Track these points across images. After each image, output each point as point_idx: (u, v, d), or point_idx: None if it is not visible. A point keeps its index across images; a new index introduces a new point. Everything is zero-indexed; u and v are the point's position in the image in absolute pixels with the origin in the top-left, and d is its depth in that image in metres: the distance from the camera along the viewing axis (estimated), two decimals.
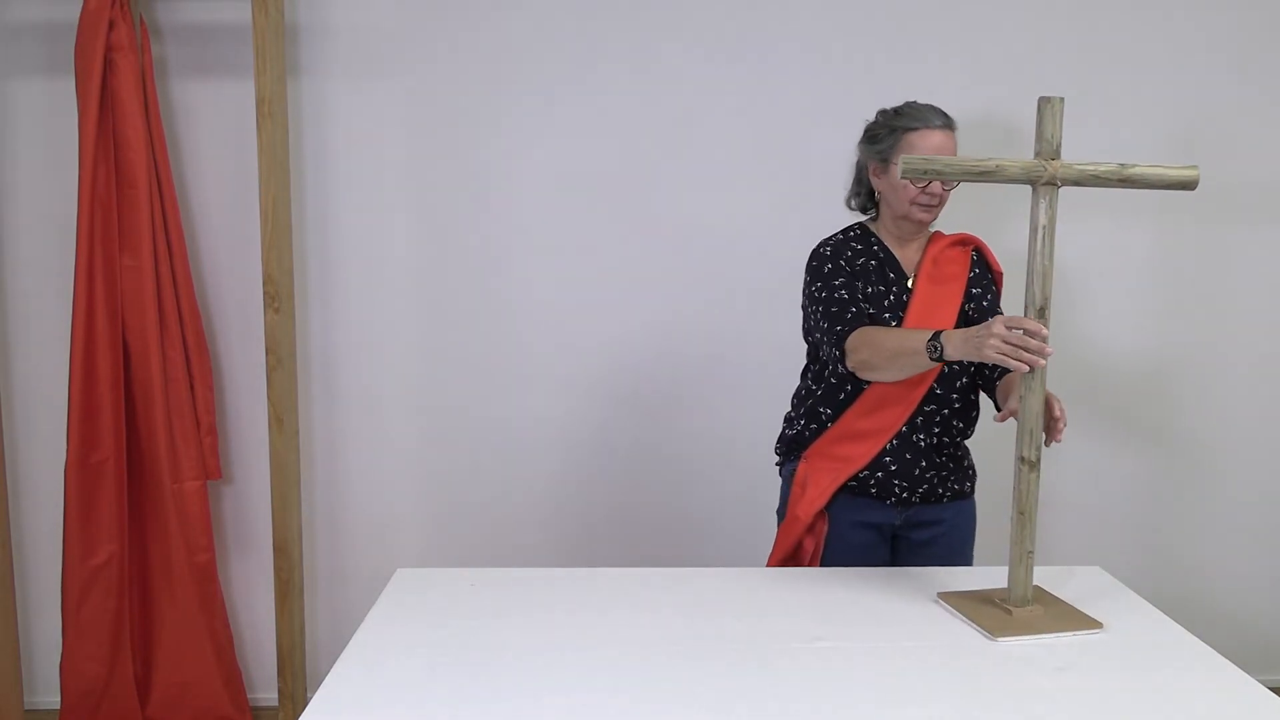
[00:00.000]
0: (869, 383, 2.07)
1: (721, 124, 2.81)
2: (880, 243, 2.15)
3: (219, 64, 2.72)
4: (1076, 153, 1.80)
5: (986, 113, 2.79)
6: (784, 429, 2.27)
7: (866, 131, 2.15)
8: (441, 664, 1.62)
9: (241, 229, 2.77)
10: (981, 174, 1.74)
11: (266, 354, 2.69)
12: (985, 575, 1.96)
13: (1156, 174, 1.77)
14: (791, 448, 2.23)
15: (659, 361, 2.90)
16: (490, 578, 2.02)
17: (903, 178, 1.79)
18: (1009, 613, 1.80)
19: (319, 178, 2.80)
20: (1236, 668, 1.64)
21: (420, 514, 2.94)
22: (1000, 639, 1.72)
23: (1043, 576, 1.97)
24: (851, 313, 2.02)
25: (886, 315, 2.07)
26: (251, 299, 2.79)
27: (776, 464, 2.30)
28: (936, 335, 1.81)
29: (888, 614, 1.83)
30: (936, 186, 2.05)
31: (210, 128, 2.75)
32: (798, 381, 2.28)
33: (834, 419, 2.13)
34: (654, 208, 2.84)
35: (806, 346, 2.23)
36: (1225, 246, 2.94)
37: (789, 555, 2.17)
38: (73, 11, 2.52)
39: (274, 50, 2.58)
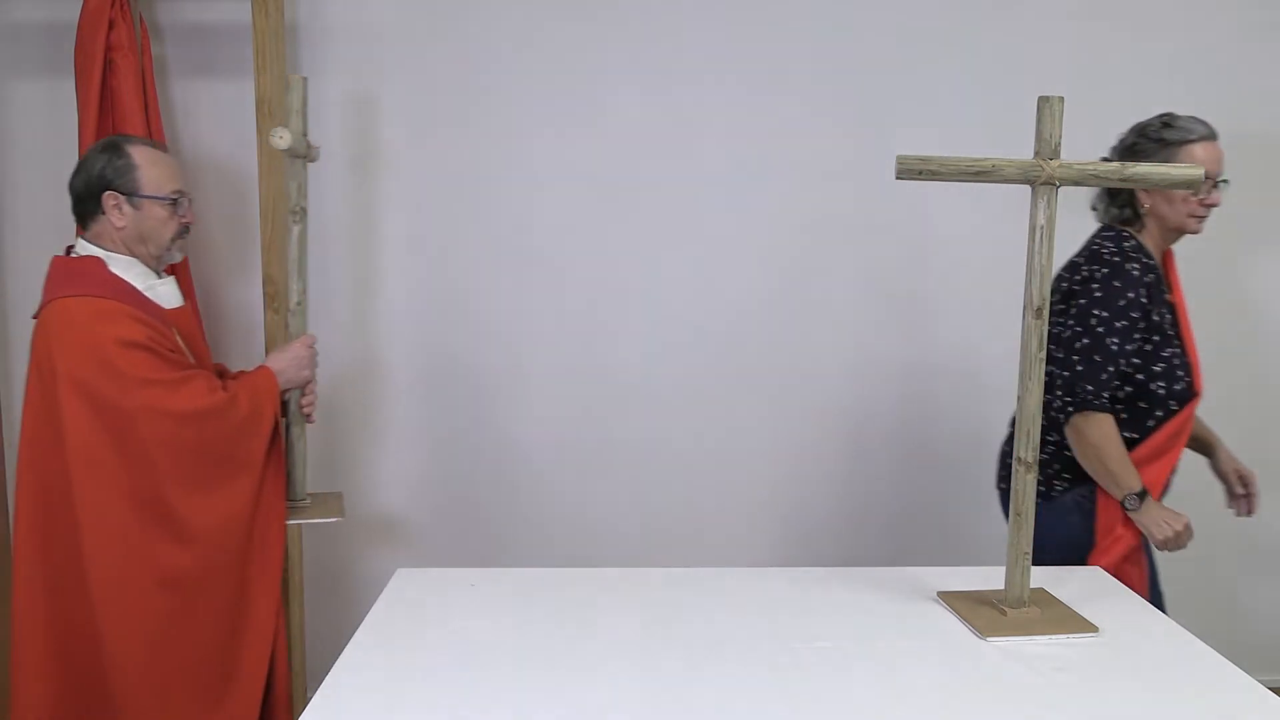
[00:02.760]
0: (1178, 404, 2.09)
1: (721, 125, 2.81)
2: (1150, 255, 2.13)
3: (219, 64, 2.72)
4: (1078, 153, 1.80)
5: (986, 112, 2.79)
6: (1054, 452, 2.15)
7: (1129, 148, 2.12)
8: (441, 664, 1.62)
9: (241, 229, 2.77)
10: (978, 174, 1.73)
11: (266, 354, 2.69)
12: (987, 575, 1.96)
13: (1159, 174, 1.76)
14: (1083, 469, 2.11)
15: (660, 362, 2.90)
16: (490, 578, 2.01)
17: (899, 178, 1.78)
18: (1004, 613, 1.80)
19: (319, 178, 2.80)
20: (1236, 668, 1.64)
21: (420, 514, 2.94)
22: (991, 639, 1.72)
23: (1042, 577, 1.97)
24: (1104, 375, 2.01)
25: (1169, 344, 2.08)
26: (251, 299, 2.79)
27: (1051, 491, 2.17)
28: (1142, 494, 1.97)
29: (888, 614, 1.83)
30: (1217, 196, 2.05)
31: (210, 128, 2.75)
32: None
33: (1142, 440, 2.10)
34: (655, 208, 2.84)
35: None
36: (1225, 246, 2.93)
37: None
38: (73, 11, 2.52)
39: (274, 50, 2.58)
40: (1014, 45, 2.81)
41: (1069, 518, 2.15)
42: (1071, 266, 2.19)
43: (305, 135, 2.22)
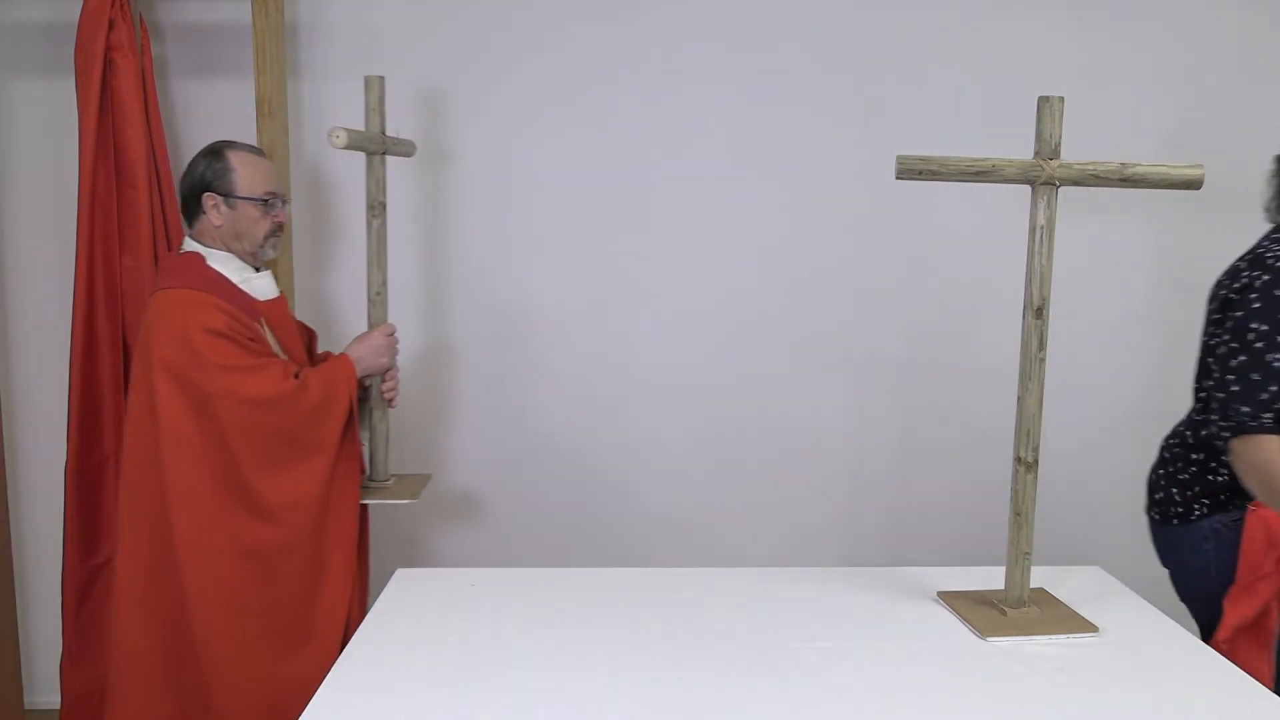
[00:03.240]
0: None
1: (720, 125, 2.81)
2: None
3: (219, 64, 2.72)
4: (1077, 153, 1.80)
5: (986, 112, 2.79)
6: (1195, 473, 2.03)
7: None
8: (441, 664, 1.62)
9: None
10: (978, 174, 1.74)
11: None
12: (987, 575, 1.96)
13: (1159, 173, 1.76)
14: (1225, 495, 1.97)
15: (659, 362, 2.90)
16: (490, 578, 2.02)
17: (899, 178, 1.78)
18: (1004, 613, 1.80)
19: (319, 178, 2.80)
20: (1236, 668, 1.64)
21: (421, 514, 2.94)
22: (991, 639, 1.72)
23: (1043, 576, 1.97)
24: (1264, 395, 1.81)
25: None
26: None
27: (1189, 514, 2.04)
28: None
29: (888, 614, 1.83)
30: None
31: (210, 128, 2.75)
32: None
33: None
34: (657, 208, 2.84)
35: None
36: (1225, 246, 2.93)
37: (1249, 622, 1.89)
38: (73, 11, 2.52)
39: (274, 50, 2.58)
40: (1014, 45, 2.80)
41: (1203, 545, 2.00)
42: (1232, 272, 2.01)
43: (382, 133, 2.34)
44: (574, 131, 2.80)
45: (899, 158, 1.72)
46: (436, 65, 2.76)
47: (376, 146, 2.34)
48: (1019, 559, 1.82)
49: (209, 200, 2.15)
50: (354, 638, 1.72)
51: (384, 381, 2.37)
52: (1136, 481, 3.01)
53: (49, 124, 2.70)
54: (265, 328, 2.18)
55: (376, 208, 2.37)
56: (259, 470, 2.06)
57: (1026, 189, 1.78)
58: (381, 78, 2.35)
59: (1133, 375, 2.97)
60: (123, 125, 2.55)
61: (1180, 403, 2.97)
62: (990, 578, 1.93)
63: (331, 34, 2.74)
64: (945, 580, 1.98)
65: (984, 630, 1.74)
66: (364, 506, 2.31)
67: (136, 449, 2.10)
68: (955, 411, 2.94)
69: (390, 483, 2.43)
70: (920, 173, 1.73)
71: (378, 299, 2.39)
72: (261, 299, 2.20)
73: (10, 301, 2.80)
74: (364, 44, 2.75)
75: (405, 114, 2.77)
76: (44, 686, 2.90)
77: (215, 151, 2.19)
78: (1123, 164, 1.75)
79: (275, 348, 2.19)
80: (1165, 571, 3.02)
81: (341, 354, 2.29)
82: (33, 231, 2.76)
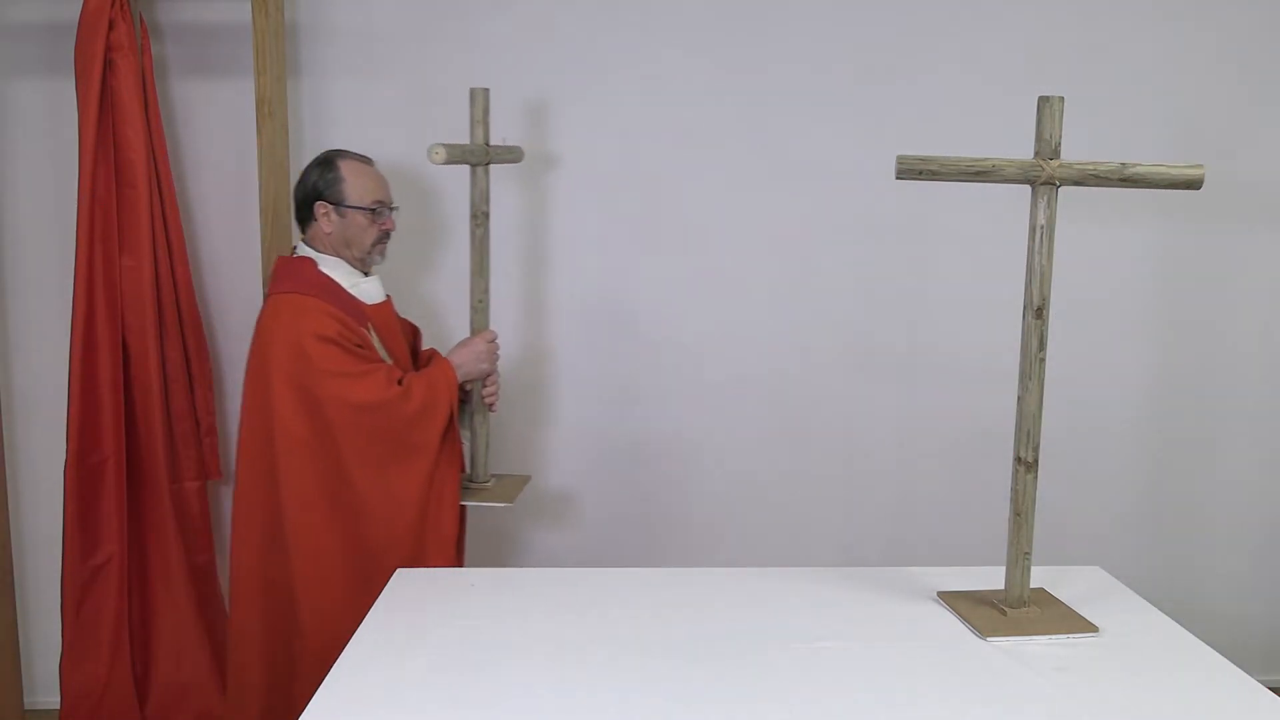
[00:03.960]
0: None
1: (720, 125, 2.81)
2: None
3: (219, 64, 2.72)
4: (1077, 153, 1.80)
5: (986, 112, 2.79)
6: None
7: None
8: (441, 664, 1.62)
9: (241, 229, 2.77)
10: (978, 174, 1.74)
11: None
12: (987, 575, 1.96)
13: (1159, 173, 1.76)
14: None
15: (657, 361, 2.90)
16: (490, 578, 2.02)
17: (899, 178, 1.78)
18: (1004, 613, 1.80)
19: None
20: (1236, 668, 1.64)
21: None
22: (991, 639, 1.72)
23: (1043, 576, 1.97)
24: None
25: None
26: (251, 299, 2.78)
27: None
28: None
29: (888, 614, 1.83)
30: None
31: (210, 128, 2.75)
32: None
33: None
34: (658, 208, 2.84)
35: None
36: (1225, 246, 2.94)
37: None
38: (73, 11, 2.52)
39: (274, 50, 2.58)
40: (1014, 45, 2.80)
41: None
42: None
43: (486, 144, 2.39)
44: (573, 131, 2.80)
45: (899, 158, 1.72)
46: (436, 65, 2.76)
47: (479, 158, 2.37)
48: (1019, 559, 1.82)
49: (320, 208, 2.25)
50: (354, 638, 1.72)
51: (485, 386, 2.41)
52: (1137, 481, 3.02)
53: (49, 124, 2.70)
54: (372, 332, 2.26)
55: (480, 217, 2.41)
56: (363, 471, 2.15)
57: (1026, 189, 1.78)
58: (486, 90, 2.38)
59: (1133, 375, 2.97)
60: (123, 125, 2.55)
61: (1181, 400, 2.98)
62: (990, 578, 1.93)
63: (331, 34, 2.74)
64: (945, 580, 1.98)
65: (984, 630, 1.74)
66: (463, 507, 2.35)
67: (250, 447, 2.21)
68: (955, 411, 2.94)
69: (490, 484, 2.47)
70: (920, 173, 1.73)
71: (480, 306, 2.44)
72: (369, 303, 2.29)
73: (10, 301, 2.80)
74: (364, 44, 2.75)
75: (405, 113, 2.77)
76: (44, 686, 2.90)
77: (327, 160, 2.28)
78: (1123, 164, 1.75)
79: (381, 351, 2.26)
80: (1165, 571, 3.03)
81: (444, 360, 2.34)
82: (33, 231, 2.76)
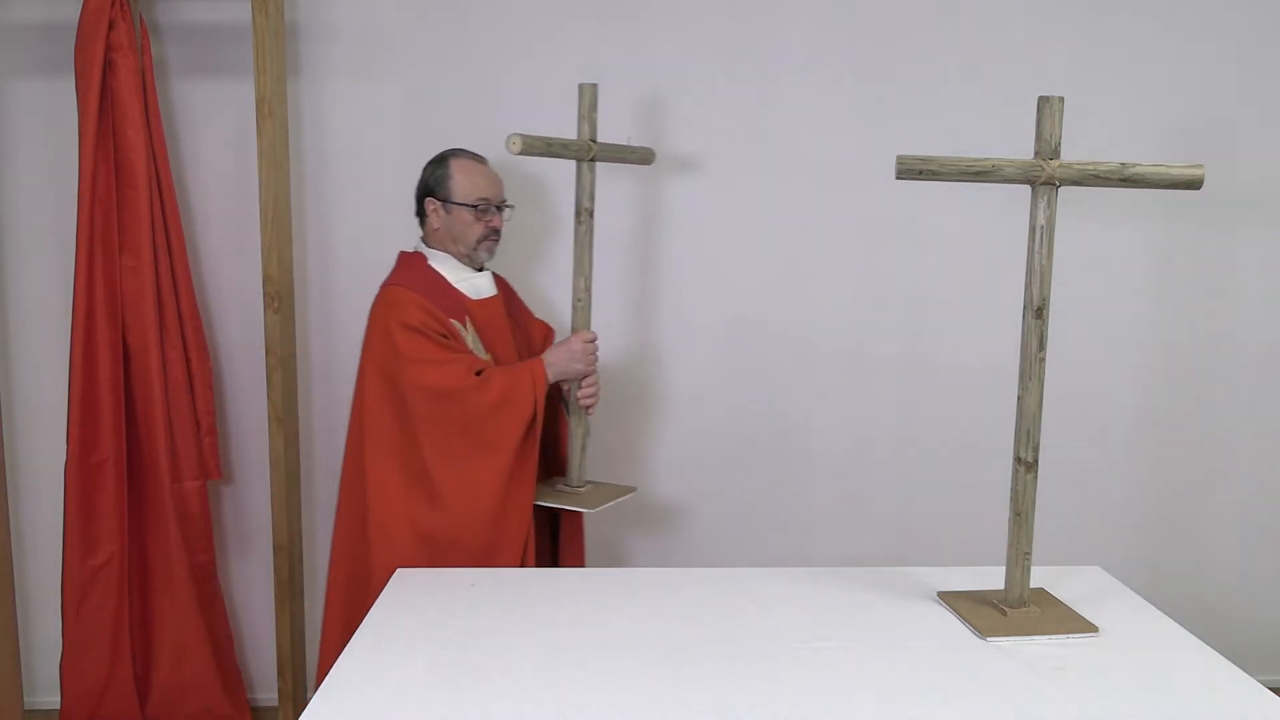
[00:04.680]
0: None
1: (719, 124, 2.81)
2: None
3: (219, 64, 2.72)
4: (1076, 153, 1.80)
5: (986, 112, 2.79)
6: None
7: None
8: (441, 664, 1.62)
9: (241, 229, 2.77)
10: (978, 174, 1.74)
11: (266, 354, 2.69)
12: (987, 575, 1.96)
13: (1159, 173, 1.76)
14: None
15: (656, 361, 2.90)
16: (490, 578, 2.02)
17: (899, 178, 1.78)
18: (1004, 613, 1.80)
19: (319, 178, 2.80)
20: (1236, 668, 1.64)
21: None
22: (991, 639, 1.72)
23: (1043, 576, 1.97)
24: None
25: None
26: (251, 299, 2.79)
27: None
28: None
29: (888, 614, 1.83)
30: None
31: (210, 128, 2.75)
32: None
33: None
34: (658, 207, 2.84)
35: None
36: (1225, 246, 2.94)
37: None
38: (73, 11, 2.52)
39: (274, 50, 2.58)
40: (1014, 45, 2.80)
41: None
42: None
43: (593, 140, 2.36)
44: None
45: (899, 158, 1.72)
46: (436, 65, 2.76)
47: (582, 153, 2.34)
48: (1019, 559, 1.82)
49: (430, 204, 2.32)
50: (354, 638, 1.72)
51: (581, 388, 2.35)
52: (1137, 481, 3.02)
53: (49, 124, 2.70)
54: (468, 326, 2.28)
55: (583, 214, 2.37)
56: (440, 461, 2.17)
57: (1026, 189, 1.78)
58: (594, 85, 2.36)
59: (1133, 375, 2.97)
60: (123, 125, 2.55)
61: (1181, 400, 2.98)
62: (990, 578, 1.93)
63: (331, 34, 2.74)
64: (945, 580, 1.98)
65: (984, 630, 1.74)
66: (554, 510, 2.32)
67: (351, 434, 2.31)
68: (955, 411, 2.94)
69: (585, 490, 2.37)
70: (920, 173, 1.73)
71: (579, 305, 2.40)
72: (474, 298, 2.33)
73: (10, 301, 2.80)
74: (364, 44, 2.75)
75: (405, 113, 2.77)
76: (44, 686, 2.90)
77: (441, 158, 2.34)
78: (1123, 164, 1.75)
79: (474, 345, 2.27)
80: (1165, 571, 3.03)
81: (538, 358, 2.32)
82: (33, 231, 2.76)
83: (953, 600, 1.87)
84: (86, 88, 2.50)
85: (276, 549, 2.76)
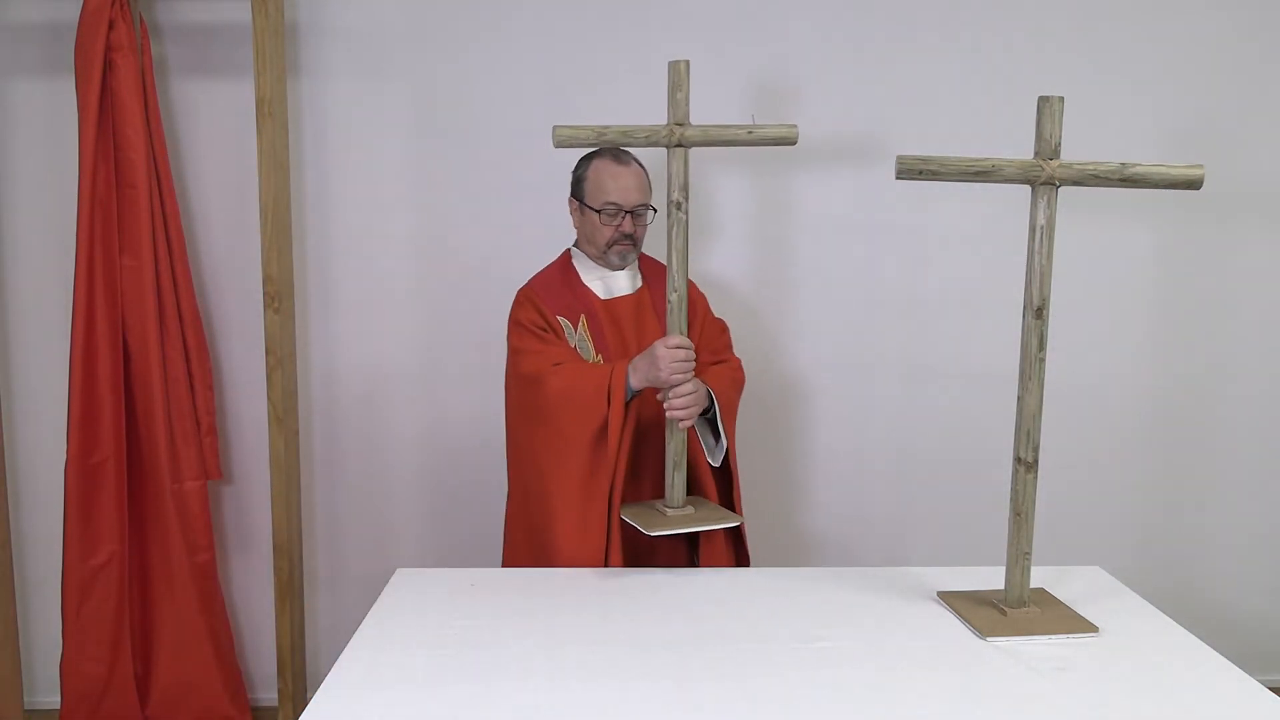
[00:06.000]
0: None
1: (718, 121, 2.81)
2: None
3: (219, 64, 2.72)
4: (1077, 153, 1.80)
5: (986, 113, 2.79)
6: None
7: None
8: (441, 664, 1.62)
9: (241, 229, 2.77)
10: (978, 174, 1.74)
11: (266, 354, 2.69)
12: (987, 575, 1.96)
13: (1159, 173, 1.76)
14: None
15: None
16: (490, 578, 2.02)
17: (899, 177, 1.78)
18: (1004, 613, 1.80)
19: (319, 178, 2.80)
20: (1236, 668, 1.64)
21: (420, 514, 2.94)
22: (991, 639, 1.72)
23: (1043, 576, 1.97)
24: None
25: None
26: (251, 299, 2.79)
27: None
28: None
29: (888, 614, 1.83)
30: None
31: (210, 128, 2.75)
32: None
33: None
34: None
35: None
36: (1225, 246, 2.94)
37: None
38: (73, 11, 2.52)
39: (274, 50, 2.58)
40: (1014, 45, 2.81)
41: None
42: None
43: (680, 124, 2.10)
44: None
45: (899, 158, 1.73)
46: (436, 65, 2.76)
47: (672, 139, 2.08)
48: (1019, 559, 1.82)
49: (571, 204, 2.33)
50: (354, 638, 1.72)
51: (673, 399, 2.10)
52: (1137, 481, 3.02)
53: (49, 124, 2.70)
54: (580, 324, 2.26)
55: (675, 205, 2.10)
56: (530, 452, 2.20)
57: (1026, 189, 1.78)
58: (686, 62, 2.10)
59: (1133, 375, 2.97)
60: (123, 125, 2.55)
61: (1181, 400, 2.98)
62: (990, 578, 1.93)
63: (331, 34, 2.74)
64: (945, 580, 1.98)
65: (984, 630, 1.74)
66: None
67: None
68: (955, 412, 2.94)
69: (688, 510, 2.12)
70: (920, 173, 1.73)
71: (675, 307, 2.12)
72: (603, 297, 2.30)
73: (10, 301, 2.80)
74: (364, 44, 2.75)
75: (405, 113, 2.77)
76: (44, 686, 2.90)
77: (586, 157, 2.32)
78: (1123, 164, 1.75)
79: (579, 343, 2.25)
80: (1165, 571, 3.03)
81: (626, 359, 2.20)
82: (33, 231, 2.76)
83: (953, 600, 1.87)
84: (86, 88, 2.50)
85: (276, 549, 2.76)
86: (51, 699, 2.86)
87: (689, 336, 2.19)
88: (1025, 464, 1.80)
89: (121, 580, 2.66)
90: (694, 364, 2.12)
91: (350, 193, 2.80)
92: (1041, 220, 1.75)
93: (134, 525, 2.71)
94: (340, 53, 2.75)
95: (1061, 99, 1.75)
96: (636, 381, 2.12)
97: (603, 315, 2.28)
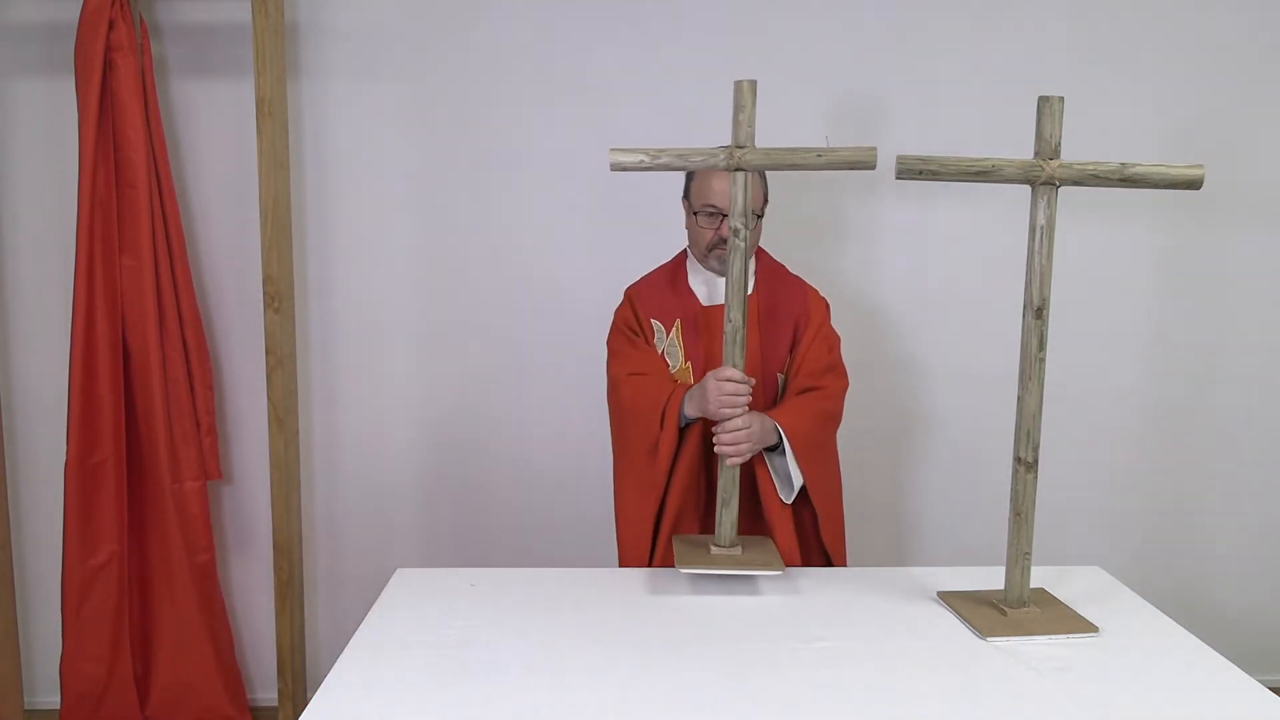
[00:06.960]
0: None
1: (719, 121, 2.81)
2: None
3: (219, 64, 2.72)
4: (1077, 153, 1.81)
5: (986, 113, 2.79)
6: None
7: None
8: (441, 664, 1.62)
9: (241, 229, 2.77)
10: (979, 174, 1.74)
11: (266, 354, 2.69)
12: (987, 575, 1.96)
13: (1159, 173, 1.76)
14: None
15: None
16: (490, 578, 2.02)
17: (899, 177, 1.78)
18: (1004, 613, 1.80)
19: (319, 178, 2.80)
20: (1236, 668, 1.64)
21: (420, 514, 2.94)
22: (991, 639, 1.72)
23: (1043, 576, 1.97)
24: None
25: None
26: (251, 299, 2.79)
27: None
28: None
29: (888, 614, 1.83)
30: None
31: (210, 128, 2.75)
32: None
33: None
34: (657, 206, 2.83)
35: None
36: (1225, 246, 2.94)
37: None
38: (73, 11, 2.52)
39: (274, 50, 2.58)
40: (1014, 45, 2.81)
41: None
42: None
43: (741, 146, 1.94)
44: (575, 131, 2.80)
45: (899, 158, 1.73)
46: (436, 65, 2.76)
47: (727, 163, 1.93)
48: (1019, 559, 1.82)
49: (684, 205, 2.30)
50: (354, 638, 1.72)
51: (721, 433, 1.99)
52: (1137, 481, 3.02)
53: (49, 124, 2.70)
54: (674, 329, 2.24)
55: (733, 233, 1.94)
56: (614, 448, 2.25)
57: (1026, 189, 1.78)
58: (754, 81, 1.96)
59: (1133, 375, 2.97)
60: (123, 125, 2.55)
61: (1181, 400, 2.98)
62: (990, 578, 1.93)
63: (331, 34, 2.74)
64: (945, 580, 1.98)
65: (984, 630, 1.74)
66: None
67: None
68: (955, 411, 2.94)
69: (734, 551, 1.99)
70: (920, 173, 1.73)
71: (730, 338, 1.97)
72: (705, 303, 2.25)
73: (10, 301, 2.80)
74: (364, 44, 2.75)
75: (405, 113, 2.77)
76: (44, 686, 2.90)
77: None
78: (1123, 164, 1.75)
79: (668, 348, 2.23)
80: (1165, 571, 3.03)
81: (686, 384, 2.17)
82: (33, 231, 2.76)
83: (953, 600, 1.87)
84: (86, 87, 2.51)
85: (276, 549, 2.76)
86: (51, 699, 2.86)
87: (793, 355, 2.16)
88: (1025, 464, 1.80)
89: (121, 580, 2.66)
90: (747, 398, 1.99)
91: (350, 193, 2.80)
92: (1041, 220, 1.75)
93: (134, 525, 2.71)
94: (340, 52, 2.75)
95: (1061, 99, 1.75)
96: (691, 410, 2.05)
97: (700, 321, 2.22)
